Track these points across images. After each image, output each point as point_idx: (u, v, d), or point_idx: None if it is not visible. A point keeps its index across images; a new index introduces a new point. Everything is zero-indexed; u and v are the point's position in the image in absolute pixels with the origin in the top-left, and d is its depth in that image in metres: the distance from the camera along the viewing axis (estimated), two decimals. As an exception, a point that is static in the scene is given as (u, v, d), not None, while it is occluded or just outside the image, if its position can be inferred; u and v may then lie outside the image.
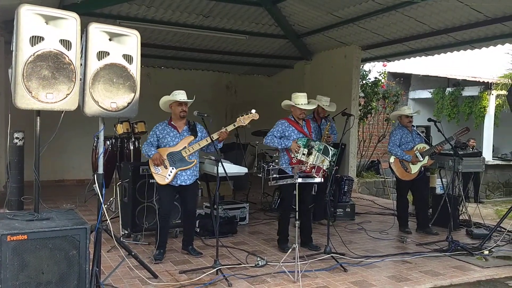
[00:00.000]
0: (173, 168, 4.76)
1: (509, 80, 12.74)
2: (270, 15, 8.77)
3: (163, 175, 4.75)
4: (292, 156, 5.21)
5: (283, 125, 5.36)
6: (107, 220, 4.15)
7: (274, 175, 5.02)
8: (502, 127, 12.73)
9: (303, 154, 5.19)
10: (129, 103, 3.67)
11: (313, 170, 5.11)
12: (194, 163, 4.84)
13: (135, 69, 3.68)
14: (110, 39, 3.65)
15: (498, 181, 13.12)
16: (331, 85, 9.93)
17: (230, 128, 4.85)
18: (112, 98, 3.62)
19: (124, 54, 3.66)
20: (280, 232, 5.45)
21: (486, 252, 5.36)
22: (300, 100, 5.29)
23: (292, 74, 11.69)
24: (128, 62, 3.66)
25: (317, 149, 5.18)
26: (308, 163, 5.15)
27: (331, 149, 5.20)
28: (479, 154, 7.55)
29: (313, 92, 5.49)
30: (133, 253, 4.21)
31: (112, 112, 3.64)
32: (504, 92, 12.17)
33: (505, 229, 6.01)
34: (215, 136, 4.77)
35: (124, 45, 3.67)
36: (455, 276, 4.61)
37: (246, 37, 9.40)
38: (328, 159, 5.16)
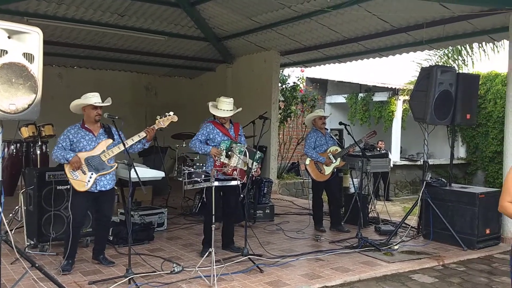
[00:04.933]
0: (92, 173, 4.52)
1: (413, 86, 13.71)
2: (189, 17, 8.71)
3: (83, 181, 4.49)
4: (216, 159, 5.21)
5: (208, 127, 5.34)
6: (7, 230, 3.85)
7: (196, 179, 4.96)
8: (409, 130, 13.63)
9: (226, 157, 5.20)
10: (29, 105, 3.44)
11: (235, 172, 5.14)
12: (115, 167, 4.66)
13: (36, 68, 3.46)
14: (9, 37, 3.40)
15: (406, 180, 14.07)
16: (252, 88, 10.10)
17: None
18: (11, 99, 3.37)
19: (24, 53, 3.43)
20: (205, 234, 5.34)
21: (396, 247, 5.72)
22: (222, 105, 5.29)
23: (215, 77, 11.72)
24: (29, 61, 3.43)
25: (237, 151, 5.21)
26: (229, 165, 5.17)
27: (252, 151, 5.24)
28: (385, 155, 8.05)
29: (235, 95, 5.55)
30: (36, 265, 3.95)
31: (11, 114, 3.39)
32: (409, 97, 13.11)
33: (410, 225, 6.46)
34: (142, 134, 4.63)
35: (24, 43, 3.44)
36: (363, 271, 4.86)
37: (165, 38, 9.27)
38: (249, 161, 5.19)
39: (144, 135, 4.67)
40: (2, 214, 3.55)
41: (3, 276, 3.86)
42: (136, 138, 4.62)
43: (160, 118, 4.75)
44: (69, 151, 4.53)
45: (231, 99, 5.37)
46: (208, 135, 5.31)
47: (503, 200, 2.79)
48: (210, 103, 5.43)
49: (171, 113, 4.79)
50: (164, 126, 4.76)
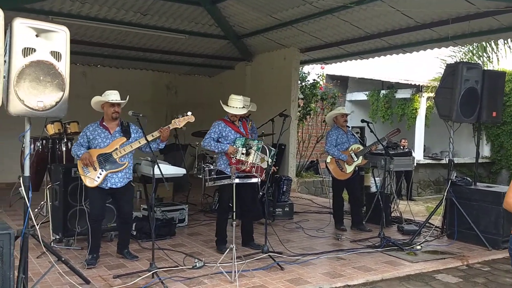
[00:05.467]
0: (102, 170, 4.59)
1: (438, 83, 13.46)
2: (210, 15, 8.74)
3: (92, 178, 4.57)
4: (232, 156, 5.21)
5: (220, 125, 5.35)
6: (34, 224, 3.94)
7: (214, 176, 5.00)
8: (433, 128, 13.41)
9: (242, 153, 5.21)
10: (57, 102, 3.50)
11: (253, 169, 5.14)
12: (125, 165, 4.68)
13: (64, 66, 3.53)
14: (37, 35, 3.48)
15: (429, 179, 13.83)
16: (271, 86, 10.08)
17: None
18: (39, 97, 3.45)
19: (52, 51, 3.50)
20: (217, 233, 5.44)
21: (419, 247, 5.63)
22: (233, 103, 5.30)
23: (233, 75, 11.73)
24: (56, 59, 3.50)
25: (255, 148, 5.21)
26: (248, 162, 5.17)
27: (269, 148, 5.25)
28: (409, 153, 7.94)
29: (254, 93, 5.55)
30: (63, 259, 4.03)
31: (39, 111, 3.46)
32: (433, 94, 12.87)
33: (433, 225, 6.36)
34: (155, 133, 4.66)
35: (52, 41, 3.51)
36: (386, 271, 4.81)
37: (186, 36, 9.32)
38: (267, 158, 5.21)
39: (158, 135, 4.69)
40: (29, 209, 3.63)
41: (30, 269, 3.94)
42: (149, 138, 4.63)
43: (176, 118, 4.76)
44: (82, 148, 4.61)
45: (241, 96, 5.36)
46: (220, 133, 5.31)
47: (508, 197, 2.74)
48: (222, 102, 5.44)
49: (189, 113, 4.77)
50: (179, 127, 4.74)
